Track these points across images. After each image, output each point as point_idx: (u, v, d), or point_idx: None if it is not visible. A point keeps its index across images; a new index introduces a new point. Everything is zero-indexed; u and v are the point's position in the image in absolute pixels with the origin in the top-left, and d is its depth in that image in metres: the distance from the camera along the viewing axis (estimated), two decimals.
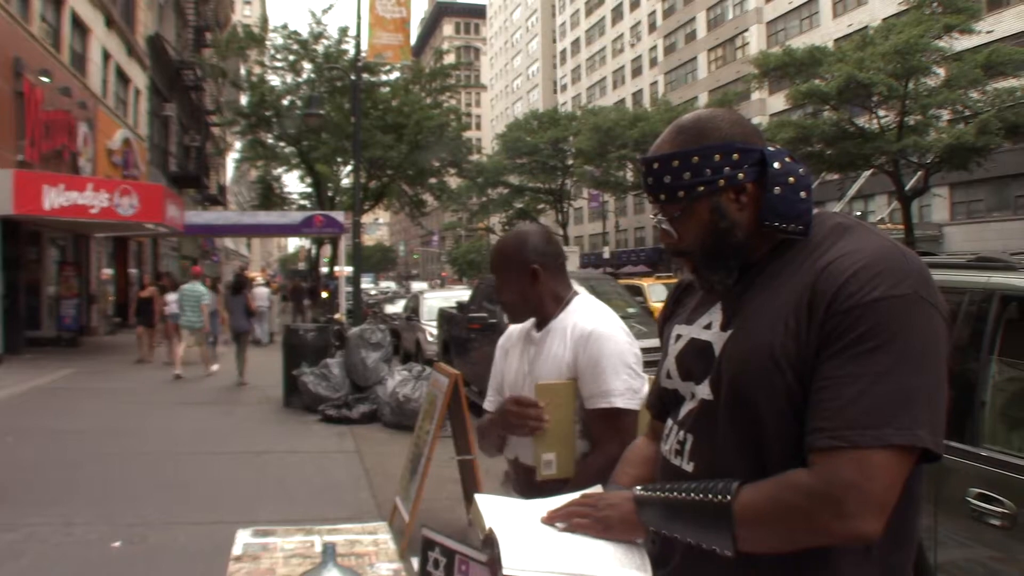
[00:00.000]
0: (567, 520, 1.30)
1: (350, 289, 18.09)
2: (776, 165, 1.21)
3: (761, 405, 1.15)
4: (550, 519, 1.32)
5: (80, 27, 18.94)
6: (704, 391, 1.26)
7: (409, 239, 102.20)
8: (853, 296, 1.08)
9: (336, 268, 27.81)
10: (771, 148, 1.23)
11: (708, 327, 1.30)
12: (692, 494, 1.17)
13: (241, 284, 13.24)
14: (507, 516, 1.34)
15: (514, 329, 2.33)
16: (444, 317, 11.70)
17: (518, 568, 1.17)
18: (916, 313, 1.08)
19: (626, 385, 1.97)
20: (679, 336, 1.38)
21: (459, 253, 68.37)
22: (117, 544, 4.52)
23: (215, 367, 12.91)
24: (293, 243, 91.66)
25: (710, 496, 1.14)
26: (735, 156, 1.21)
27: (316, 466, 6.62)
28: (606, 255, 48.92)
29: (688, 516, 1.18)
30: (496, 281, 2.17)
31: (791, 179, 1.21)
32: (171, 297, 14.04)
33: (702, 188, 1.22)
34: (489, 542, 1.29)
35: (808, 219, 1.21)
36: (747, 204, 1.23)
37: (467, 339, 9.87)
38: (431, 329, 12.79)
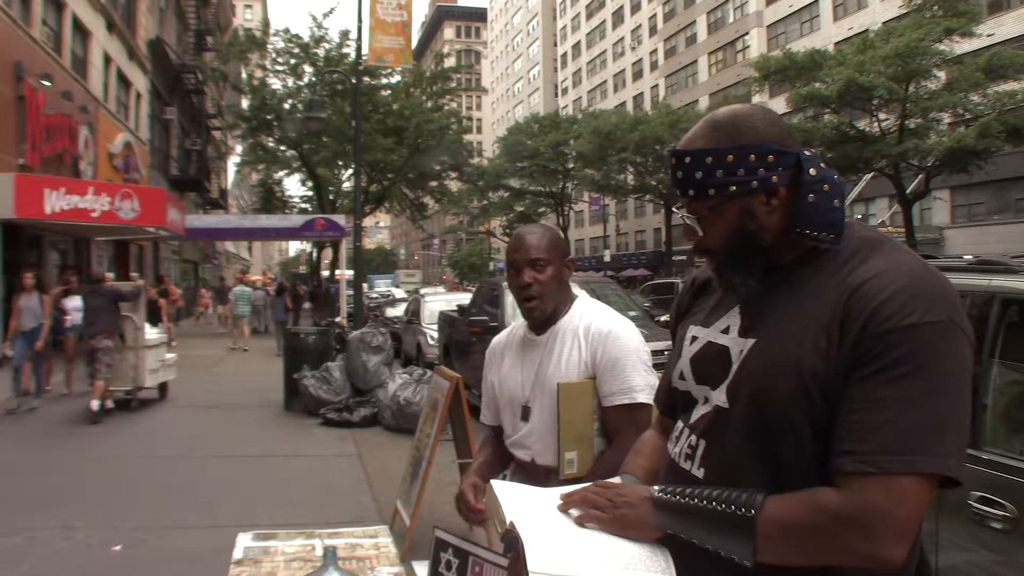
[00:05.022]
0: (582, 507, 1.27)
1: (351, 292, 18.14)
2: (811, 171, 1.18)
3: (782, 420, 1.14)
4: (565, 504, 1.29)
5: (81, 31, 18.96)
6: (720, 397, 1.24)
7: (410, 242, 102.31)
8: (888, 320, 1.06)
9: (337, 271, 27.86)
10: (807, 152, 1.20)
11: (726, 331, 1.28)
12: (714, 503, 1.15)
13: (282, 289, 20.31)
14: (526, 507, 1.30)
15: (502, 338, 2.34)
16: (445, 320, 11.70)
17: (544, 570, 1.15)
18: (949, 340, 1.06)
19: (645, 381, 2.03)
20: (695, 338, 1.35)
21: (460, 256, 68.44)
22: (118, 548, 4.52)
23: (239, 344, 18.01)
24: (294, 247, 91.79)
25: (733, 508, 1.12)
26: (770, 158, 1.18)
27: (317, 469, 6.62)
28: (607, 258, 48.99)
29: (709, 524, 1.16)
30: (535, 261, 2.07)
31: (825, 186, 1.18)
32: (72, 303, 10.89)
33: (734, 188, 1.19)
34: (510, 537, 1.27)
35: (840, 228, 1.18)
36: (777, 208, 1.20)
37: (468, 342, 9.87)
38: (432, 332, 12.79)
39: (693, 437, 1.29)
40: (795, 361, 1.12)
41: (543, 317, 2.13)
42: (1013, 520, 2.18)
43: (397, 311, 18.99)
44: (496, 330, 8.77)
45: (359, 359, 9.13)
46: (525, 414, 2.15)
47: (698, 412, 1.30)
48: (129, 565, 4.31)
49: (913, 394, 1.04)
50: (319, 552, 2.34)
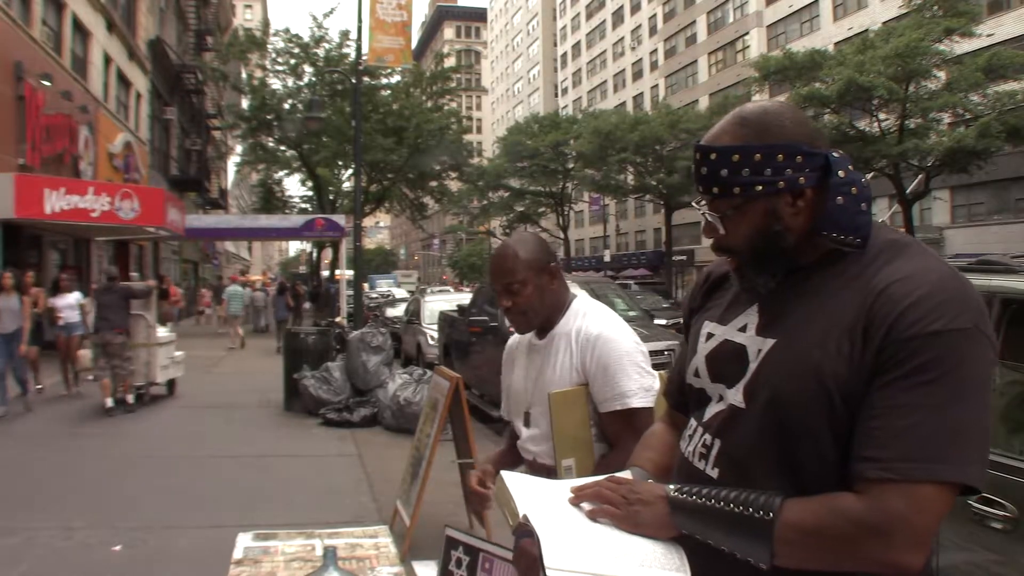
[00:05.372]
0: (594, 501, 1.26)
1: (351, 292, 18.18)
2: (840, 174, 1.16)
3: (801, 423, 1.12)
4: (577, 497, 1.27)
5: (81, 31, 18.97)
6: (736, 397, 1.23)
7: (410, 242, 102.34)
8: (913, 326, 1.05)
9: (337, 271, 27.87)
10: (835, 154, 1.18)
11: (743, 329, 1.26)
12: (731, 505, 1.14)
13: (283, 288, 21.48)
14: (537, 500, 1.29)
15: (515, 340, 2.33)
16: (445, 320, 11.71)
17: (560, 567, 1.13)
18: (974, 347, 1.05)
19: (638, 384, 1.99)
20: (710, 335, 1.33)
21: (460, 256, 68.47)
22: (117, 548, 4.51)
23: (235, 343, 18.58)
24: (294, 247, 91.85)
25: (751, 510, 1.11)
26: (798, 158, 1.16)
27: (317, 469, 6.62)
28: (607, 258, 48.98)
29: (726, 526, 1.15)
30: (509, 286, 2.06)
31: (854, 189, 1.17)
32: (64, 301, 10.63)
33: (760, 188, 1.17)
34: (523, 530, 1.25)
35: (867, 232, 1.16)
36: (803, 209, 1.18)
37: (468, 343, 9.87)
38: (432, 332, 12.79)
39: (707, 436, 1.27)
40: (816, 364, 1.11)
41: (531, 330, 2.15)
42: (1013, 520, 2.18)
43: (397, 311, 19.00)
44: (496, 330, 8.79)
45: (359, 359, 9.13)
46: (527, 420, 2.17)
47: (712, 410, 1.28)
48: (129, 565, 4.31)
49: (936, 401, 1.03)
50: (319, 552, 2.34)
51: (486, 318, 9.15)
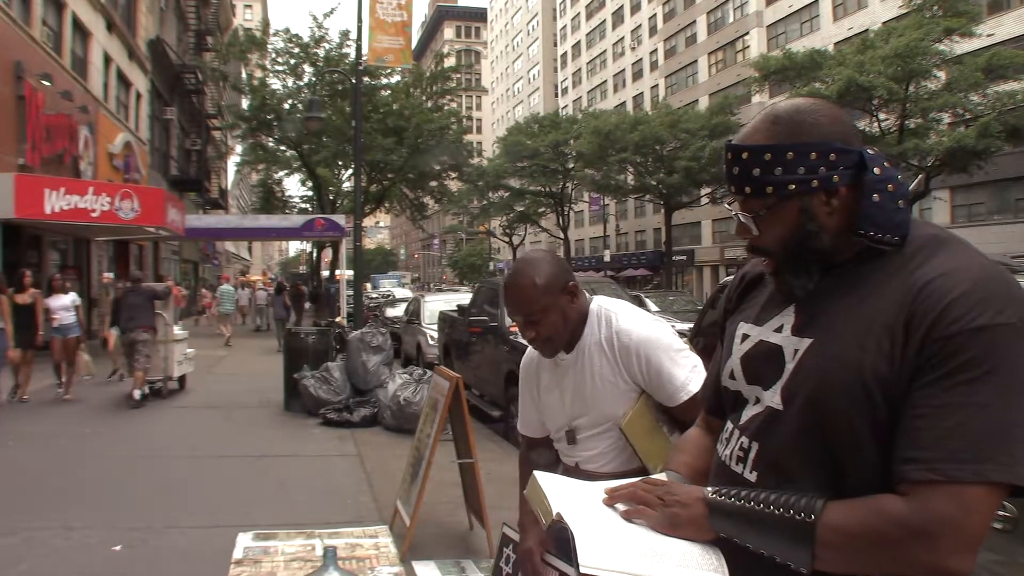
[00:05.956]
0: (629, 502, 1.24)
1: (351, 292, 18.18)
2: (875, 171, 1.14)
3: (842, 424, 1.10)
4: (612, 499, 1.26)
5: (81, 31, 18.96)
6: (773, 398, 1.20)
7: (410, 242, 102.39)
8: (956, 322, 1.02)
9: (337, 271, 27.89)
10: (870, 151, 1.16)
11: (779, 330, 1.23)
12: (771, 507, 1.11)
13: (281, 288, 21.60)
14: (571, 499, 1.27)
15: (532, 357, 2.28)
16: (445, 320, 11.70)
17: (595, 566, 1.11)
18: (1019, 343, 1.02)
19: (689, 368, 2.01)
20: (746, 336, 1.31)
21: (460, 256, 68.51)
22: (118, 548, 4.51)
23: (226, 339, 19.54)
24: (294, 247, 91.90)
25: (791, 512, 1.09)
26: (832, 156, 1.14)
27: (317, 469, 6.62)
28: (607, 258, 48.98)
29: (765, 529, 1.12)
30: (530, 316, 1.99)
31: (890, 186, 1.14)
32: (58, 303, 10.35)
33: (793, 187, 1.15)
34: (557, 528, 1.24)
35: (905, 231, 1.14)
36: (837, 208, 1.16)
37: (468, 342, 9.86)
38: (432, 332, 12.79)
39: (744, 439, 1.25)
40: (857, 362, 1.09)
41: (558, 352, 2.10)
42: (1013, 520, 2.18)
43: (397, 311, 18.99)
44: (496, 330, 8.79)
45: (359, 359, 9.13)
46: (571, 438, 2.14)
47: (749, 413, 1.25)
48: (129, 565, 4.30)
49: (982, 399, 1.00)
50: (319, 552, 2.34)
51: (486, 318, 9.15)
